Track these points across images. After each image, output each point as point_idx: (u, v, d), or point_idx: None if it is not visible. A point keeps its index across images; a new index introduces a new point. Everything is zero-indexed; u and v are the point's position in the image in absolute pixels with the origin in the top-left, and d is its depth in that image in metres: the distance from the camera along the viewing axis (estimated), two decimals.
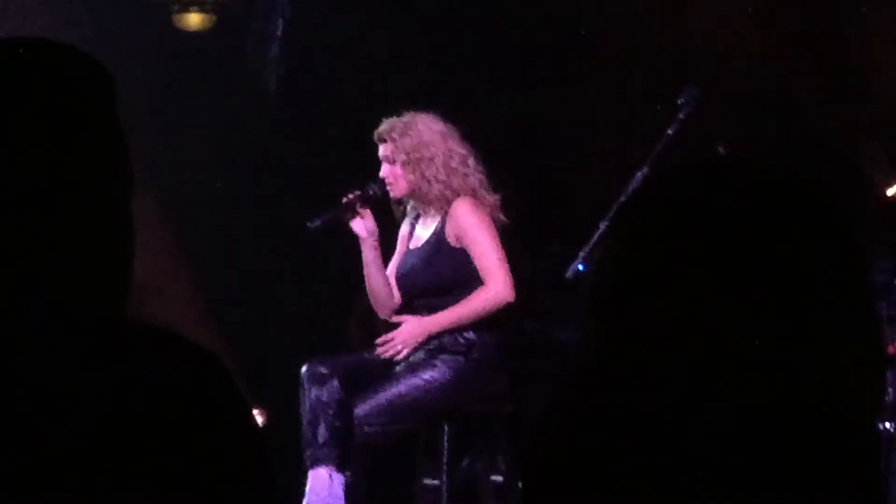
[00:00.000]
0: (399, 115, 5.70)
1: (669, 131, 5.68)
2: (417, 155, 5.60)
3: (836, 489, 1.44)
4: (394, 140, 5.64)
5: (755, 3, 7.57)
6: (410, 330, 5.61)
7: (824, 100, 7.44)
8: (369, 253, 5.73)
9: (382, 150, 5.69)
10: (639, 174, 5.59)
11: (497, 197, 5.67)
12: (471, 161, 5.66)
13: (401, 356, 5.63)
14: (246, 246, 8.03)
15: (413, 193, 5.68)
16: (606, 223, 5.53)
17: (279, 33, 8.32)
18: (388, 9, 7.92)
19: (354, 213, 5.74)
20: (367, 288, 5.80)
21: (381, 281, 5.77)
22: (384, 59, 7.87)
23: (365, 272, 5.77)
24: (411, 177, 5.61)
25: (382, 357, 5.65)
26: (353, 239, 5.80)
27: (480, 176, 5.66)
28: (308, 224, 5.77)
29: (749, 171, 1.51)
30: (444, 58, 7.81)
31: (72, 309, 1.57)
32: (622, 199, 5.49)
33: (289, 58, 8.28)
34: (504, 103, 7.60)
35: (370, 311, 5.83)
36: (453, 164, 5.62)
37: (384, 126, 5.68)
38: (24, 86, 1.60)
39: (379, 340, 5.68)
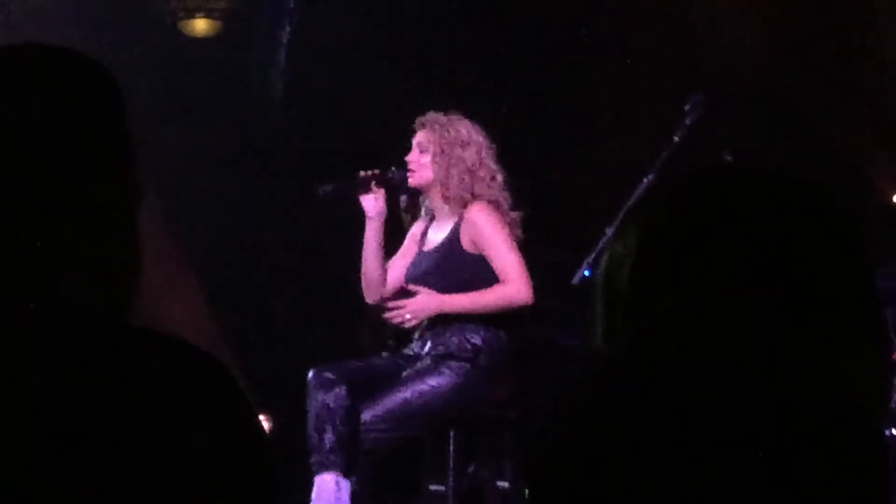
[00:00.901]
0: (446, 112, 5.74)
1: (675, 138, 5.68)
2: (450, 151, 5.63)
3: (842, 492, 1.44)
4: (434, 129, 5.68)
5: (761, 8, 7.57)
6: (424, 301, 5.60)
7: (830, 106, 7.44)
8: (372, 234, 5.75)
9: (418, 137, 5.71)
10: (645, 180, 5.59)
11: (517, 214, 5.67)
12: (499, 177, 5.67)
13: (408, 325, 5.63)
14: (252, 251, 8.03)
15: (432, 186, 5.68)
16: (613, 229, 5.53)
17: (285, 40, 8.33)
18: (392, 15, 7.93)
19: (368, 190, 5.76)
20: (362, 269, 5.79)
21: (377, 264, 5.78)
22: (389, 65, 7.87)
23: (363, 253, 5.79)
24: (437, 167, 5.63)
25: (390, 322, 5.66)
26: (360, 245, 5.80)
27: (504, 194, 5.67)
28: (320, 189, 5.78)
29: (755, 178, 1.51)
30: (448, 63, 7.82)
31: (78, 314, 1.57)
32: (629, 205, 5.49)
33: (294, 64, 8.29)
34: (509, 108, 7.61)
35: (380, 318, 5.82)
36: (481, 174, 5.64)
37: (430, 115, 5.72)
38: (31, 91, 1.61)
39: (391, 304, 5.67)
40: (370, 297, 5.84)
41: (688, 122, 5.69)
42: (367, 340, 7.38)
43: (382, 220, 5.76)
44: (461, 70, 7.78)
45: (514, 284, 5.52)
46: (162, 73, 7.93)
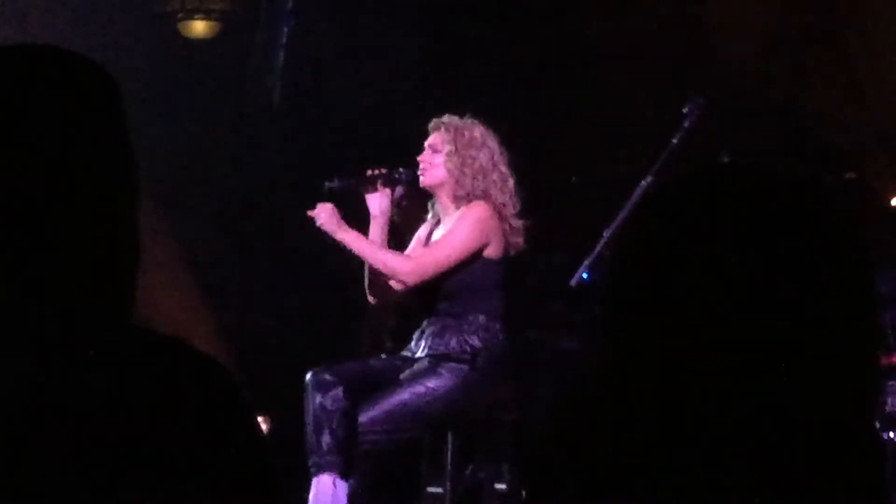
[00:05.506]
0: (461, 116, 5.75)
1: (673, 140, 5.69)
2: (465, 151, 5.63)
3: (839, 496, 1.44)
4: (448, 131, 5.68)
5: (759, 12, 7.58)
6: (328, 214, 5.62)
7: (828, 108, 7.44)
8: (376, 233, 5.74)
9: (431, 139, 5.70)
10: (643, 182, 5.59)
11: (521, 223, 5.65)
12: (510, 183, 5.67)
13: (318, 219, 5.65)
14: (250, 253, 8.04)
15: (443, 186, 5.67)
16: (610, 232, 5.53)
17: (283, 42, 8.34)
18: (390, 18, 7.93)
19: (374, 189, 5.76)
20: (366, 268, 5.78)
21: None
22: (387, 67, 7.88)
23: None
24: (451, 165, 5.63)
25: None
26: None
27: (514, 200, 5.66)
28: (326, 183, 5.77)
29: (754, 180, 1.51)
30: (447, 66, 7.82)
31: (77, 316, 1.57)
32: (627, 207, 5.50)
33: (293, 66, 8.29)
34: (507, 111, 7.62)
35: (379, 320, 5.82)
36: (493, 177, 5.64)
37: (444, 118, 5.72)
38: (30, 93, 1.61)
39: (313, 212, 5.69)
40: (373, 297, 5.84)
41: (686, 124, 5.70)
42: (367, 342, 7.38)
43: (387, 219, 5.75)
44: (459, 73, 7.79)
45: (411, 264, 5.56)
46: (160, 74, 7.93)
